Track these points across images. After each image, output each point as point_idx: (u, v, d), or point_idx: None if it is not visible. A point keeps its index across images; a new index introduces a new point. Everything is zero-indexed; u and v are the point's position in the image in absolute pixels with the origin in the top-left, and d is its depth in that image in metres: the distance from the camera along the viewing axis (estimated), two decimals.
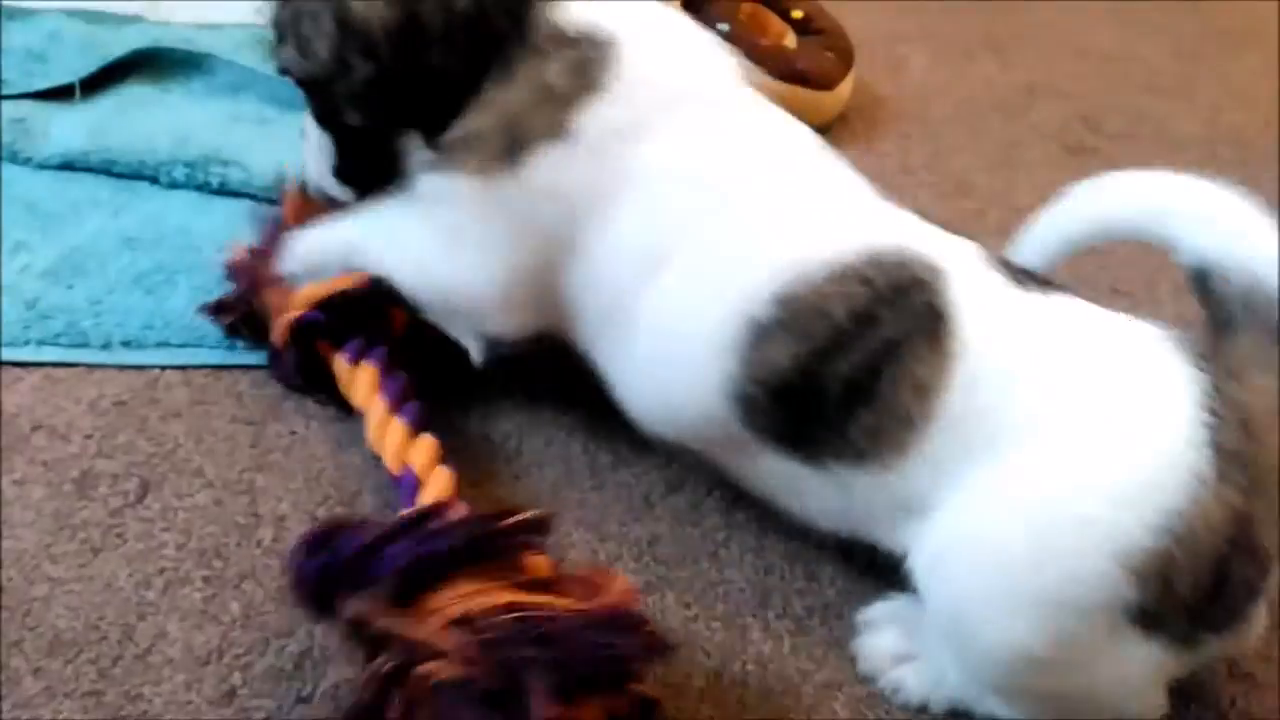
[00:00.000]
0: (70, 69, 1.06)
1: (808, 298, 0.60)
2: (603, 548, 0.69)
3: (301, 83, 0.70)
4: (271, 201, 0.92)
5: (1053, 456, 0.56)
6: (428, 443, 0.66)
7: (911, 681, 0.63)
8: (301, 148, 0.77)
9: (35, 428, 0.72)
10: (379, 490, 0.70)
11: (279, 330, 0.74)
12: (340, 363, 0.72)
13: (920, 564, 0.60)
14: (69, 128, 0.99)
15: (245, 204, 0.94)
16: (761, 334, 0.61)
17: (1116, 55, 1.46)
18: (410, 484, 0.64)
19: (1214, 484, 0.54)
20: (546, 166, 0.63)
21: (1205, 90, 1.38)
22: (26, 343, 0.78)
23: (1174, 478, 0.54)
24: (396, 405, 0.68)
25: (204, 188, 0.95)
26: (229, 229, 0.90)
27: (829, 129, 1.17)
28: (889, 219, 0.66)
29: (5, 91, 1.03)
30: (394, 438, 0.67)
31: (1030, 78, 1.36)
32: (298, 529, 0.67)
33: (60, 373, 0.77)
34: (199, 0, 1.21)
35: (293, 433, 0.74)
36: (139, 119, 1.01)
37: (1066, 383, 0.58)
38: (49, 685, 0.58)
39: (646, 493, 0.73)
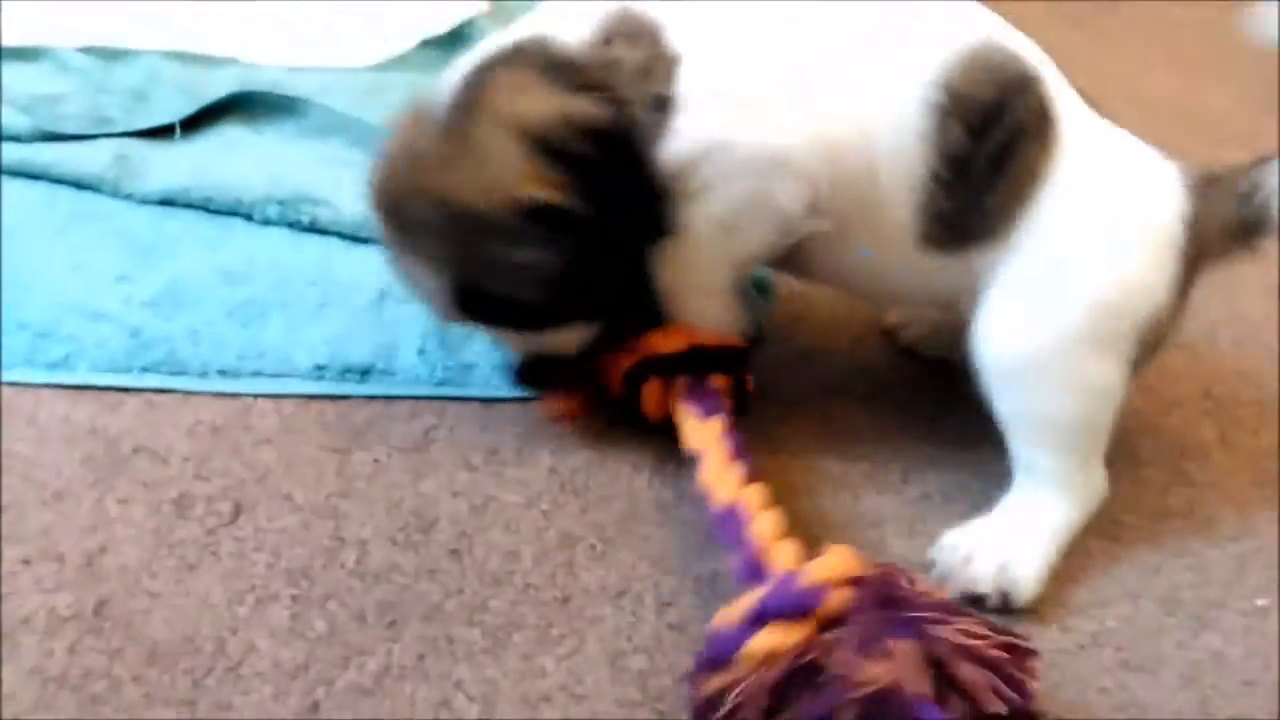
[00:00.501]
0: (170, 109, 1.13)
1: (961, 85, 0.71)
2: (665, 581, 0.72)
3: None
4: (358, 239, 0.98)
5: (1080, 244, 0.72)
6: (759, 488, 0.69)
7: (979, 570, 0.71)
8: None
9: (136, 450, 0.77)
10: (456, 519, 0.74)
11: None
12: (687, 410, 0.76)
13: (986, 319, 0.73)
14: (169, 165, 1.05)
15: (334, 241, 0.99)
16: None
17: (1183, 105, 1.47)
18: (735, 519, 0.67)
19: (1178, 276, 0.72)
20: None
21: (1271, 140, 1.38)
22: (130, 369, 0.83)
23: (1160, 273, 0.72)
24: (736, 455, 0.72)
25: (295, 225, 1.00)
26: (319, 265, 0.96)
27: None
28: (982, 19, 0.75)
29: (111, 130, 1.10)
30: (729, 478, 0.70)
31: None
32: (379, 553, 0.71)
33: (160, 399, 0.82)
34: (287, 45, 1.29)
35: (375, 461, 0.78)
36: (235, 158, 1.07)
37: (1102, 188, 0.73)
38: (147, 693, 0.62)
39: (708, 530, 0.76)
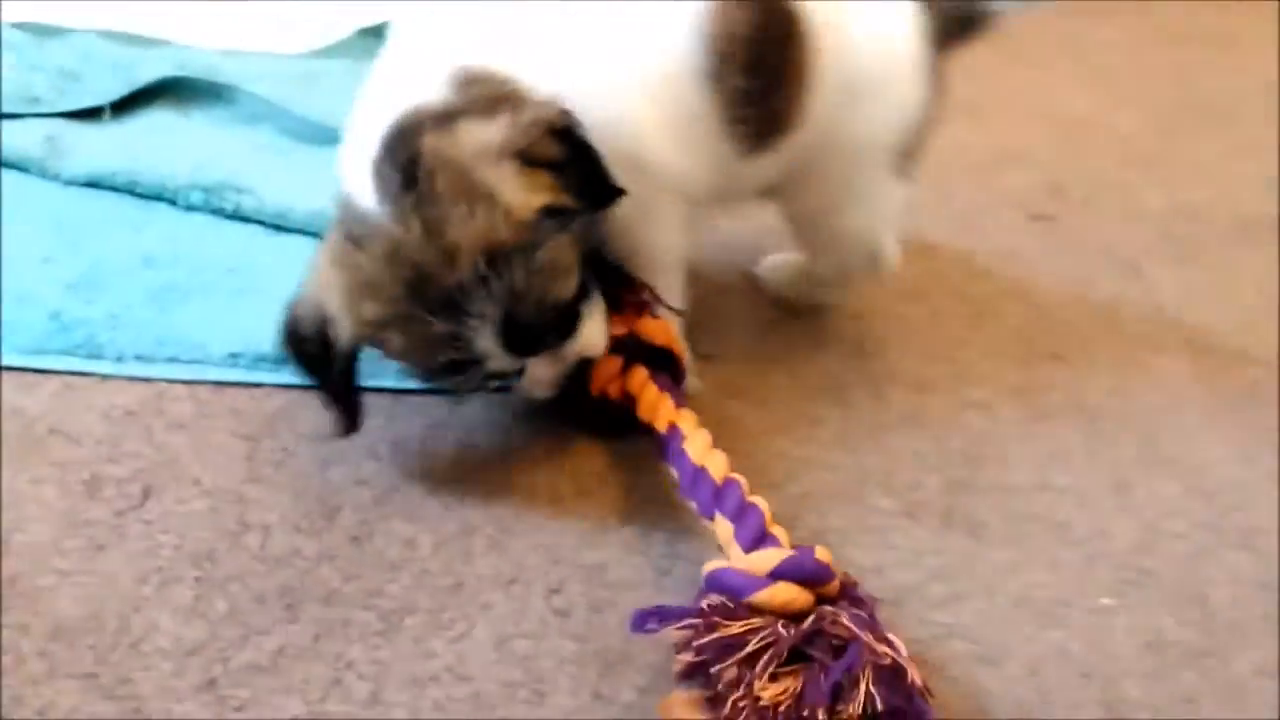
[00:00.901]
0: (101, 91, 1.15)
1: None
2: (554, 570, 0.76)
3: None
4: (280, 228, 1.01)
5: None
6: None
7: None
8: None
9: (52, 431, 0.80)
10: (359, 507, 0.78)
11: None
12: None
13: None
14: (97, 148, 1.07)
15: (257, 229, 1.02)
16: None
17: (1091, 122, 1.53)
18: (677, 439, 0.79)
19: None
20: None
21: (1172, 165, 1.45)
22: (49, 352, 0.86)
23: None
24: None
25: (219, 212, 1.03)
26: (240, 252, 0.99)
27: None
28: None
29: (39, 110, 1.11)
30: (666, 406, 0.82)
31: (1002, 142, 1.43)
32: (282, 538, 0.75)
33: (78, 381, 0.85)
34: (223, 28, 1.30)
35: (284, 449, 0.82)
36: (163, 142, 1.09)
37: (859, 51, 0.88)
38: (51, 667, 0.66)
39: (601, 522, 0.80)
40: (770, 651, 0.63)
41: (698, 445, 0.78)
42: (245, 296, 0.94)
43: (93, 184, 1.04)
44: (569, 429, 0.86)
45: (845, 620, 0.64)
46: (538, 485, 0.83)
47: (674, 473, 0.78)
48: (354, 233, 0.73)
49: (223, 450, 0.81)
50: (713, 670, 0.64)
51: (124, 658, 0.67)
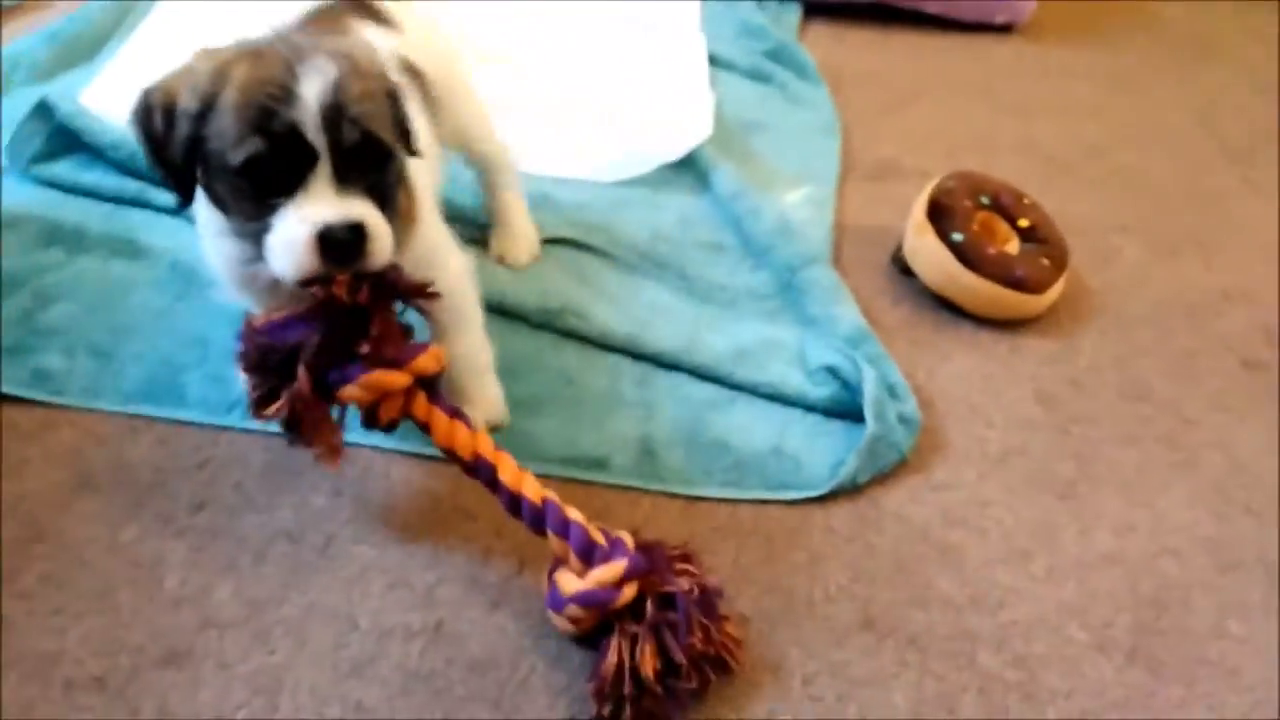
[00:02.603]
0: (467, 223, 1.47)
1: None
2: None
3: None
4: (606, 347, 1.30)
5: None
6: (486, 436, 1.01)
7: None
8: None
9: (455, 509, 1.11)
10: None
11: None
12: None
13: None
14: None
15: (590, 348, 1.31)
16: None
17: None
18: (487, 468, 0.99)
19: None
20: None
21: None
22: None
23: None
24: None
25: (559, 331, 1.33)
26: (576, 369, 1.27)
27: (1035, 319, 1.44)
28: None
29: None
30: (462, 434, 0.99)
31: (1226, 281, 1.56)
32: None
33: None
34: (553, 159, 1.61)
35: None
36: (521, 274, 1.40)
37: None
38: None
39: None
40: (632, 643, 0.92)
41: (508, 470, 0.98)
42: (579, 406, 1.22)
43: None
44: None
45: (661, 580, 0.94)
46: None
47: (494, 496, 0.99)
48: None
49: None
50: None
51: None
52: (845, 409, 1.24)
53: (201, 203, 1.00)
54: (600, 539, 0.96)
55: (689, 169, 1.63)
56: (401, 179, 1.00)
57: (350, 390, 0.96)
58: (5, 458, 1.11)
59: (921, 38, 2.15)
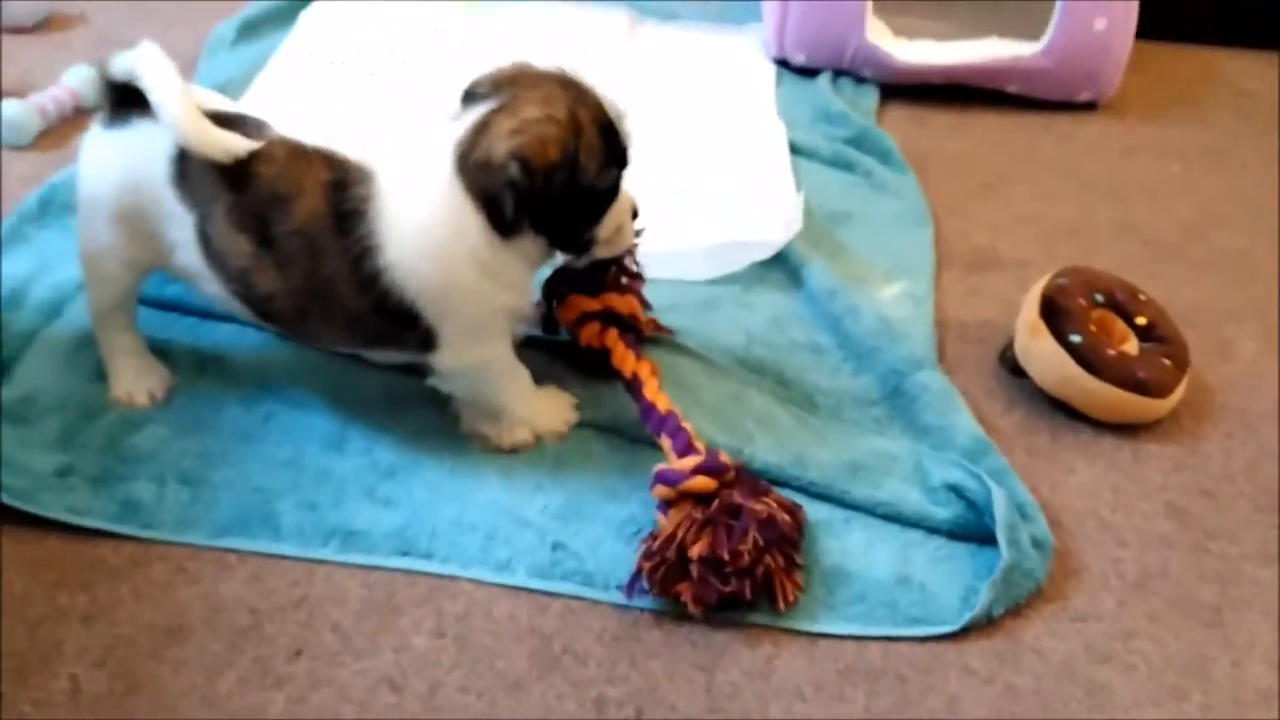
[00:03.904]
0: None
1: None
2: None
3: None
4: None
5: None
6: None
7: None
8: None
9: (564, 650, 1.05)
10: None
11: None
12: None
13: None
14: (567, 376, 1.34)
15: None
16: None
17: None
18: (637, 384, 1.25)
19: None
20: None
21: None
22: (552, 577, 1.11)
23: None
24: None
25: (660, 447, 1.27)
26: None
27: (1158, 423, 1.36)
28: None
29: None
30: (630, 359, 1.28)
31: None
32: None
33: (574, 604, 1.10)
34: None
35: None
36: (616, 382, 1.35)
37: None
38: None
39: None
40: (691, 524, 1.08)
41: (651, 388, 1.23)
42: None
43: None
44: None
45: (736, 497, 1.10)
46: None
47: (635, 405, 1.23)
48: None
49: (687, 680, 1.03)
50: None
51: None
52: (970, 530, 1.16)
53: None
54: (699, 446, 1.17)
55: (779, 265, 1.58)
56: None
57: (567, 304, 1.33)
58: (96, 599, 1.06)
59: (1004, 118, 2.09)
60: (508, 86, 1.14)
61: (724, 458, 1.14)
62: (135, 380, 1.28)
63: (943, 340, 1.49)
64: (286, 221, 1.12)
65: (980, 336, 1.50)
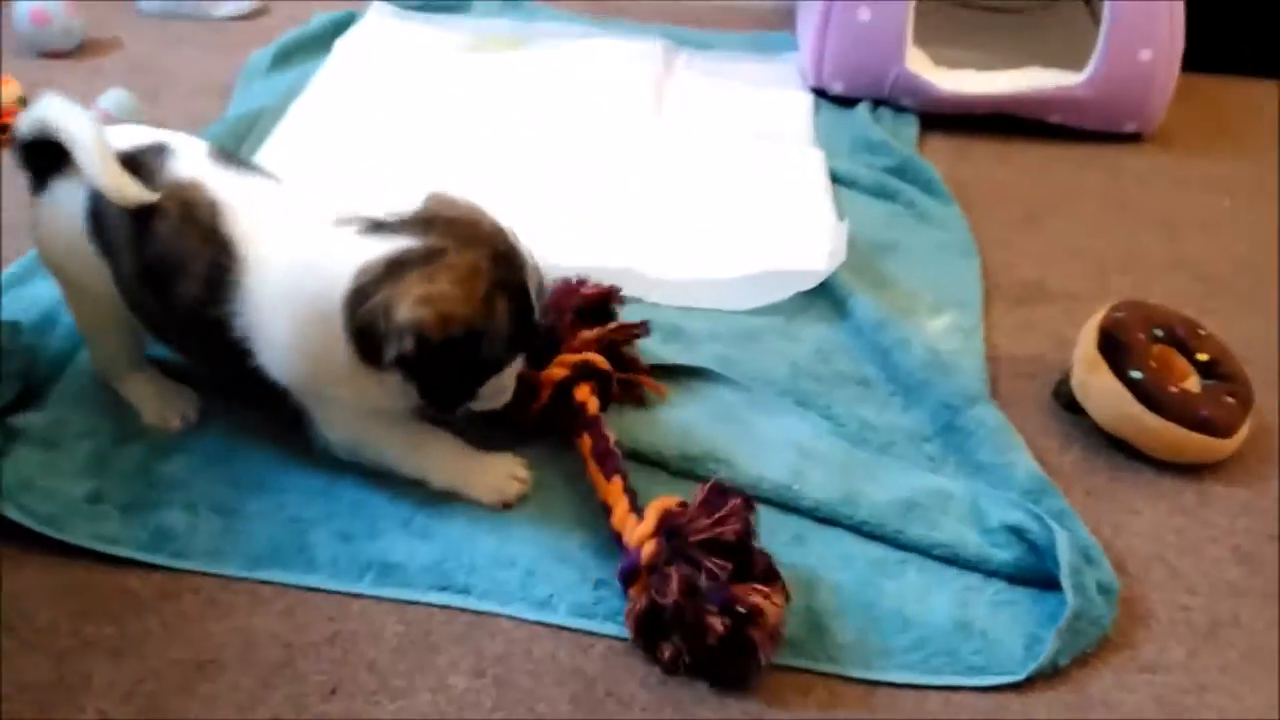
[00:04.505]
0: None
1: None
2: None
3: None
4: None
5: None
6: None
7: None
8: None
9: (608, 694, 1.00)
10: None
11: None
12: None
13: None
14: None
15: None
16: None
17: None
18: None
19: None
20: None
21: None
22: (596, 616, 1.07)
23: None
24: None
25: (702, 480, 1.20)
26: None
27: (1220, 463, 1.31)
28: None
29: None
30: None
31: None
32: None
33: (618, 644, 1.05)
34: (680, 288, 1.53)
35: None
36: (656, 414, 1.30)
37: None
38: None
39: None
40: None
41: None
42: None
43: None
44: None
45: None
46: None
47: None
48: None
49: None
50: None
51: None
52: (1032, 574, 1.11)
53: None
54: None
55: (822, 295, 1.54)
56: None
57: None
58: (125, 631, 1.03)
59: (1047, 148, 2.06)
60: (435, 232, 1.06)
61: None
62: (163, 408, 1.25)
63: (993, 375, 1.44)
64: (174, 292, 1.13)
65: (1032, 371, 1.45)
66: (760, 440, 1.26)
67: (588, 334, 1.27)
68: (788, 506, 1.19)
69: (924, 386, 1.35)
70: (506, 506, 1.16)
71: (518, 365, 1.13)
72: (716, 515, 1.02)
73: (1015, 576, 1.12)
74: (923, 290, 1.58)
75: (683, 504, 1.06)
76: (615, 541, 1.09)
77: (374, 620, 1.05)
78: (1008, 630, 1.07)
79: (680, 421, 1.29)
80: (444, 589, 1.08)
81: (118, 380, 1.27)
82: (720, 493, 1.05)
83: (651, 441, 1.25)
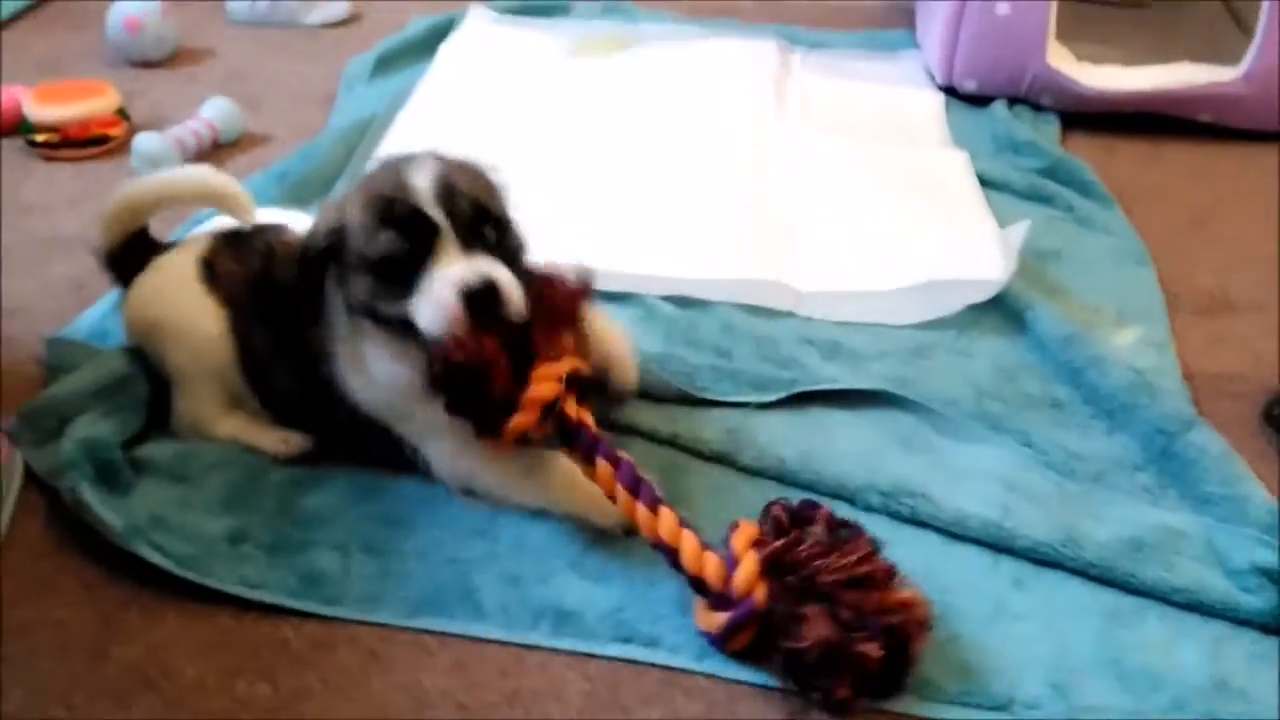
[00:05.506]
0: (753, 375, 1.26)
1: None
2: None
3: None
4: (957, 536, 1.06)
5: None
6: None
7: None
8: None
9: None
10: None
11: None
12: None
13: None
14: (776, 440, 1.17)
15: (932, 535, 1.08)
16: None
17: None
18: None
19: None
20: None
21: None
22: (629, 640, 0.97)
23: None
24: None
25: (896, 515, 1.10)
26: (920, 559, 1.04)
27: None
28: None
29: (710, 395, 1.24)
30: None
31: None
32: None
33: None
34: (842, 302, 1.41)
35: None
36: (830, 439, 1.18)
37: None
38: None
39: None
40: None
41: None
42: (957, 622, 0.98)
43: (776, 478, 1.14)
44: None
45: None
46: None
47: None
48: None
49: None
50: None
51: None
52: None
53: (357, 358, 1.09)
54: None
55: (994, 307, 1.41)
56: (522, 246, 1.10)
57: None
58: (280, 689, 0.92)
59: (1198, 148, 1.91)
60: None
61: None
62: (274, 438, 1.16)
63: (1193, 395, 1.30)
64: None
65: (1235, 391, 1.31)
66: (957, 471, 1.13)
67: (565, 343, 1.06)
68: (998, 546, 1.06)
69: (1128, 410, 1.21)
70: (629, 533, 1.03)
71: (447, 279, 0.99)
72: (846, 551, 0.94)
73: (1270, 625, 0.98)
74: (1099, 301, 1.44)
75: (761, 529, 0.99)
76: (694, 587, 0.96)
77: (554, 676, 0.94)
78: (1268, 688, 0.94)
79: (860, 449, 1.16)
80: (628, 640, 0.97)
81: (212, 433, 1.17)
82: (814, 517, 0.99)
83: (837, 470, 1.13)
